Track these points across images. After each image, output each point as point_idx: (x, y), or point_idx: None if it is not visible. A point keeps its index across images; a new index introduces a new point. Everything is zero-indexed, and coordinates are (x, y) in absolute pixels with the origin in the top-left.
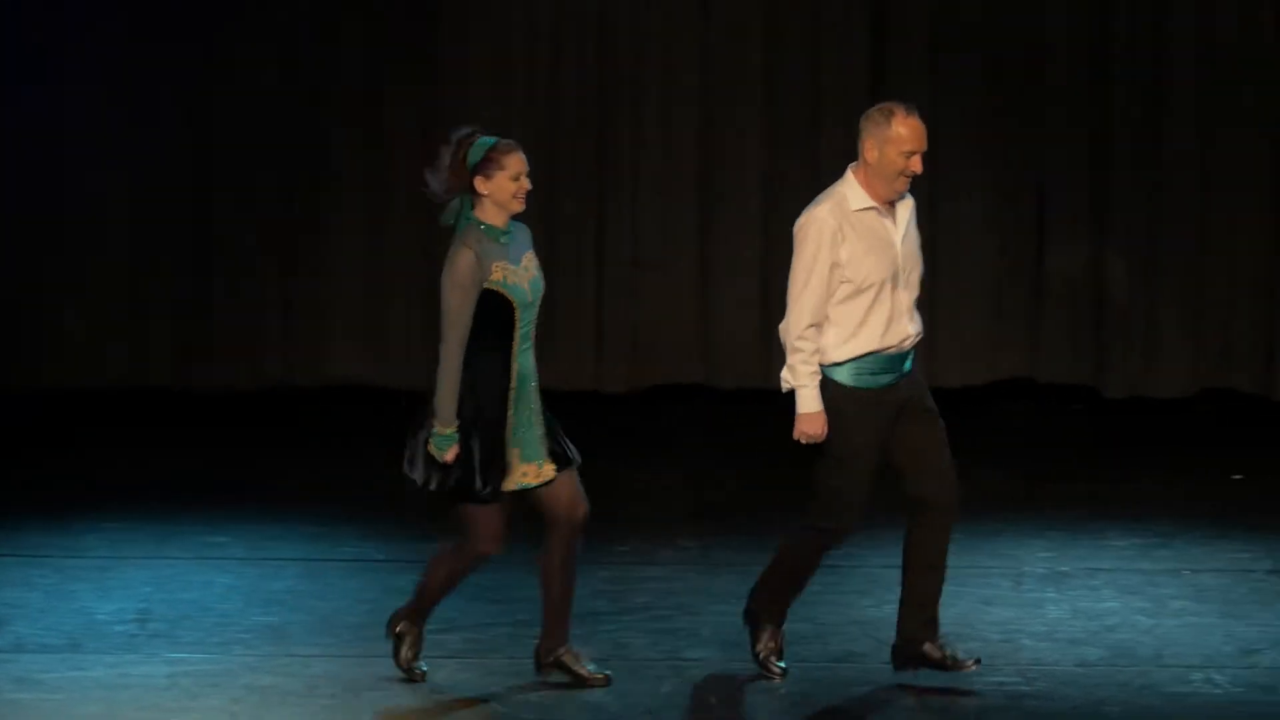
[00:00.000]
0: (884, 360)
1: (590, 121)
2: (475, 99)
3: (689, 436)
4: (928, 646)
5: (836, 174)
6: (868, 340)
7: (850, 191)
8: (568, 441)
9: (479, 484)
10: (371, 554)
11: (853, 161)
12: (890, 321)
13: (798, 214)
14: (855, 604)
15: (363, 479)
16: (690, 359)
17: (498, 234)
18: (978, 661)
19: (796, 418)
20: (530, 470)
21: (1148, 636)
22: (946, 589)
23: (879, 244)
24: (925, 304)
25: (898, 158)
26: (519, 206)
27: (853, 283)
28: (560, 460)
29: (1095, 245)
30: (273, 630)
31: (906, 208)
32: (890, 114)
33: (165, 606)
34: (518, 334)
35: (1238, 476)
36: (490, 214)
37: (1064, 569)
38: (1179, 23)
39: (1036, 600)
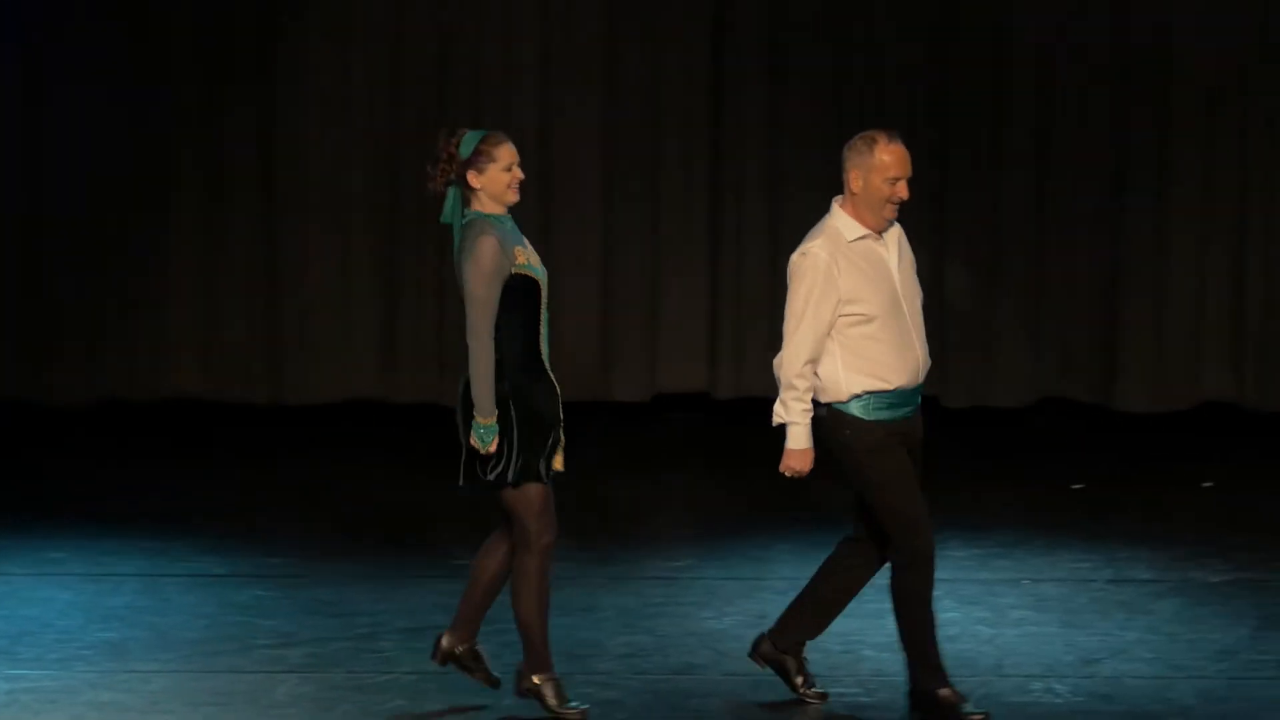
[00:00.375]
0: (897, 394)
1: (430, 125)
2: (313, 104)
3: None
4: (789, 661)
5: (674, 178)
6: (882, 373)
7: (841, 223)
8: None
9: (540, 467)
10: (210, 569)
11: (836, 195)
12: (901, 350)
13: (636, 216)
14: (694, 615)
15: (199, 493)
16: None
17: (503, 221)
18: (824, 696)
19: (785, 452)
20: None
21: (988, 646)
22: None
23: (877, 273)
24: (766, 313)
25: (883, 185)
26: (514, 197)
27: (857, 314)
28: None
29: (935, 256)
30: (112, 646)
31: (895, 234)
32: (873, 142)
33: (4, 623)
34: (543, 317)
35: (1077, 486)
36: (488, 206)
37: None
38: (1018, 33)
39: (877, 611)
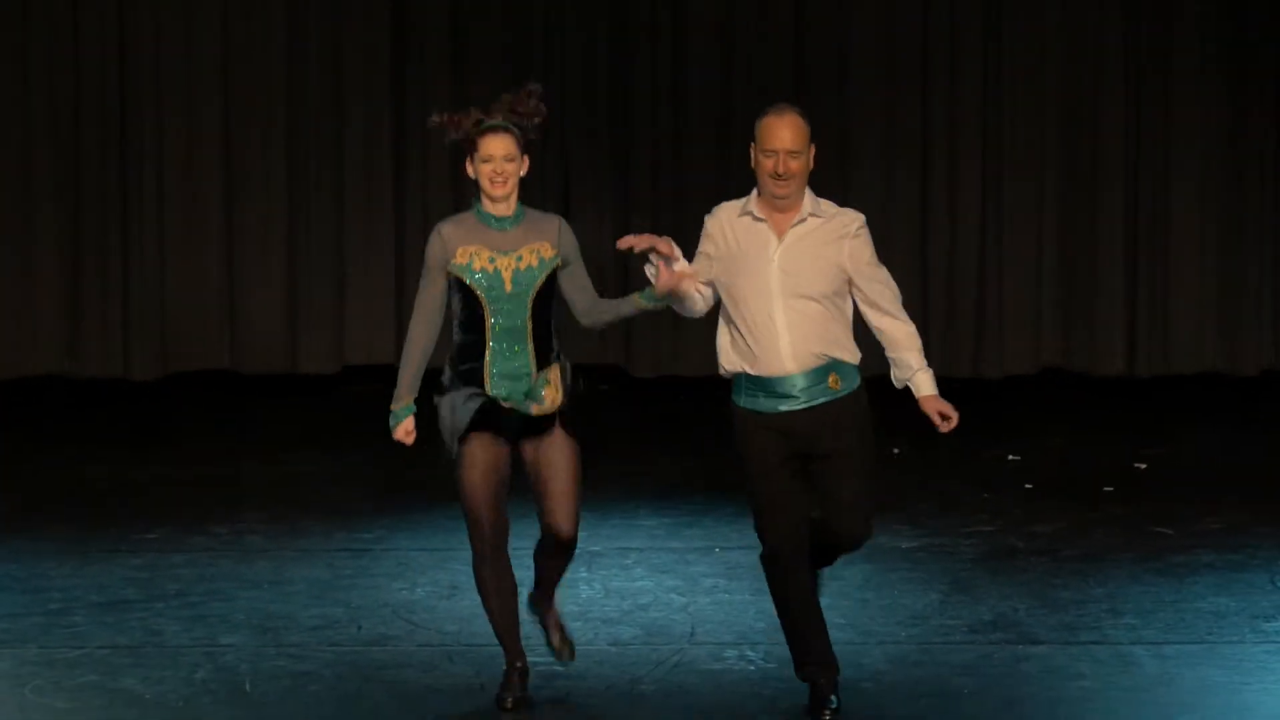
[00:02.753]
0: (760, 382)
1: (113, 111)
2: None
3: (216, 424)
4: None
5: (356, 160)
6: (738, 358)
7: (751, 196)
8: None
9: (449, 446)
10: None
11: None
12: (759, 342)
13: (323, 202)
14: (387, 587)
15: None
16: (216, 345)
17: (491, 220)
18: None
19: None
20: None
21: (681, 615)
22: (467, 570)
23: (748, 256)
24: None
25: (762, 158)
26: (494, 190)
27: (723, 290)
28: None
29: (618, 225)
30: None
31: (808, 225)
32: (761, 115)
33: None
34: (488, 322)
35: None
36: (483, 199)
37: (595, 549)
38: (697, 15)
39: (569, 580)
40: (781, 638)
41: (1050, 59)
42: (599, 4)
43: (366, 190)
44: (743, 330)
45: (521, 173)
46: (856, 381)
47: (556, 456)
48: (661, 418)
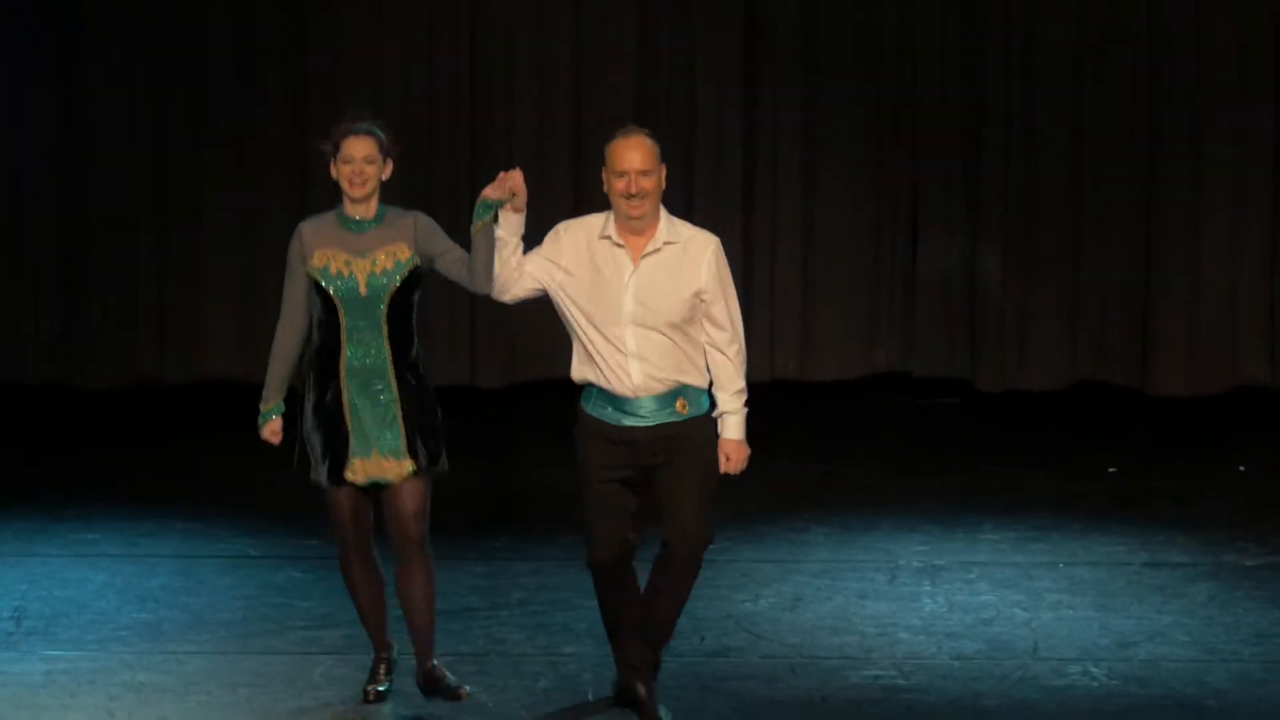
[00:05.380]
0: (609, 396)
1: (463, 108)
2: (347, 90)
3: (562, 431)
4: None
5: (707, 171)
6: (588, 372)
7: (609, 219)
8: (432, 447)
9: (314, 470)
10: (246, 550)
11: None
12: (608, 365)
13: (673, 209)
14: (730, 598)
15: (236, 475)
16: (559, 354)
17: (350, 222)
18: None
19: None
20: (390, 466)
21: (1024, 629)
22: (820, 583)
23: (600, 278)
24: (798, 296)
25: (614, 180)
26: (354, 191)
27: (575, 308)
28: (418, 461)
29: (968, 240)
30: (148, 627)
31: (664, 254)
32: (609, 139)
33: (40, 604)
34: (342, 326)
35: (1112, 469)
36: (345, 201)
37: (939, 562)
38: (1050, 19)
39: (912, 594)
40: (1128, 654)
41: None
42: (951, 6)
43: (715, 191)
44: (592, 351)
45: (384, 176)
46: (705, 406)
47: (406, 501)
48: (1007, 431)
